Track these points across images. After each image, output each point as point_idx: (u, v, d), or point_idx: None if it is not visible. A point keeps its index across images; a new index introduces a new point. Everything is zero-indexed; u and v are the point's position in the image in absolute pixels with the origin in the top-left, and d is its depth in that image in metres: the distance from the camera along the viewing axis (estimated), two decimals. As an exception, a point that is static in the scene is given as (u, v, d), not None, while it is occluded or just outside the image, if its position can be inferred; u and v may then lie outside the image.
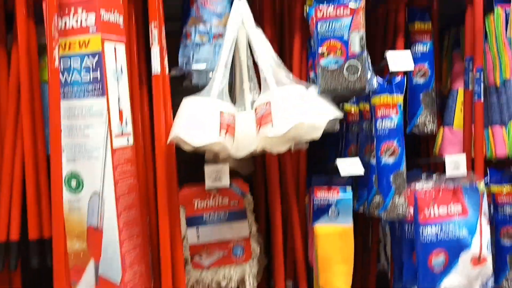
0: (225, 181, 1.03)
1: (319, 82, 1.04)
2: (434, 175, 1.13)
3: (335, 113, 1.01)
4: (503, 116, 1.15)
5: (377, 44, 1.26)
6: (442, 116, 1.29)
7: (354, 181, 1.16)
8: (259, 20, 1.14)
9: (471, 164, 1.17)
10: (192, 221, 1.13)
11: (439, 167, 1.19)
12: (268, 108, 0.94)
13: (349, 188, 1.11)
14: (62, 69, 0.95)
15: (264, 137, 0.95)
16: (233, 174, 1.18)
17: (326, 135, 1.15)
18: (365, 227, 1.34)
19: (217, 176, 1.02)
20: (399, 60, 1.04)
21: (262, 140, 0.96)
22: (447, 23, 1.33)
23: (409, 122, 1.22)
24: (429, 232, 1.07)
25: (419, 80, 1.21)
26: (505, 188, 1.20)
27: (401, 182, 1.07)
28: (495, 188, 1.20)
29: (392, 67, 1.04)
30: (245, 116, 1.00)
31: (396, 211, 1.06)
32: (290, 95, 0.96)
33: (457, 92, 1.24)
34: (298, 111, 0.93)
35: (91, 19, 0.93)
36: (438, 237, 1.07)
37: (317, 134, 1.00)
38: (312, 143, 1.12)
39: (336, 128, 1.08)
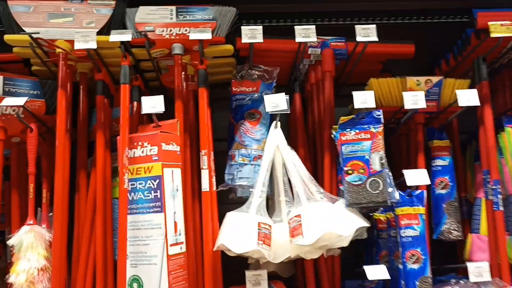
0: (264, 285, 1.16)
1: (346, 196, 1.18)
2: (462, 281, 1.20)
3: (360, 223, 1.15)
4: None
5: (403, 160, 1.41)
6: (470, 222, 1.37)
7: (386, 285, 1.24)
8: (294, 142, 1.35)
9: (498, 270, 1.23)
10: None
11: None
12: (299, 220, 1.09)
13: (379, 292, 1.21)
14: (130, 189, 1.17)
15: (296, 246, 1.09)
16: (275, 276, 1.33)
17: (360, 241, 1.29)
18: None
19: (256, 281, 1.16)
20: (415, 176, 1.18)
21: (295, 248, 1.10)
22: (468, 138, 1.46)
23: (435, 229, 1.32)
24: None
25: (441, 191, 1.33)
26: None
27: (427, 287, 1.15)
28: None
29: (409, 182, 1.18)
30: (281, 227, 1.15)
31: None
32: (319, 209, 1.11)
33: (481, 200, 1.34)
34: (326, 223, 1.08)
35: (154, 150, 1.16)
36: None
37: (345, 243, 1.13)
38: (349, 249, 1.27)
39: (364, 236, 1.20)
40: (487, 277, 1.16)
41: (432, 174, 1.36)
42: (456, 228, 1.31)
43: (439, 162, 1.35)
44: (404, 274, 1.17)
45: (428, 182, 1.19)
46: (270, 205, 1.29)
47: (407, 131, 1.41)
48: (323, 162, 1.32)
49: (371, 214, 1.34)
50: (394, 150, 1.50)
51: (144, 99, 1.19)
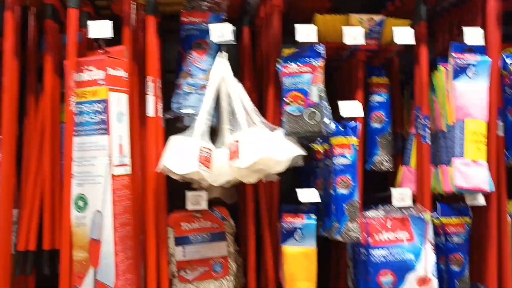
0: (204, 205, 1.24)
1: (285, 126, 1.26)
2: (386, 206, 1.31)
3: (296, 151, 1.23)
4: (449, 157, 1.33)
5: (345, 96, 1.48)
6: (403, 156, 1.48)
7: (319, 210, 1.34)
8: (242, 75, 1.40)
9: (422, 198, 1.35)
10: (180, 241, 1.34)
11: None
12: (237, 144, 1.16)
13: (313, 215, 1.31)
14: (76, 112, 1.20)
15: (234, 169, 1.17)
16: (220, 202, 1.41)
17: (300, 170, 1.37)
18: (336, 252, 1.51)
19: (196, 201, 1.24)
20: (349, 108, 1.26)
21: (233, 171, 1.18)
22: (407, 77, 1.54)
23: (368, 160, 1.42)
24: (378, 254, 1.25)
25: (376, 125, 1.42)
26: (453, 220, 1.37)
27: (354, 210, 1.26)
28: (444, 220, 1.37)
29: (343, 113, 1.25)
30: (222, 152, 1.22)
31: (349, 235, 1.25)
32: (256, 134, 1.18)
33: (413, 135, 1.44)
34: (262, 148, 1.15)
35: (100, 74, 1.19)
36: (387, 259, 1.25)
37: (280, 168, 1.21)
38: (290, 179, 1.36)
39: (300, 163, 1.28)
40: (409, 202, 1.27)
41: (368, 109, 1.44)
42: (388, 160, 1.41)
43: (376, 98, 1.43)
44: (334, 198, 1.27)
45: (361, 114, 1.27)
46: (219, 136, 1.34)
47: (351, 68, 1.47)
48: (268, 95, 1.38)
49: (310, 145, 1.41)
50: (338, 86, 1.57)
51: (91, 23, 1.21)
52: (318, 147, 1.42)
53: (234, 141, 1.17)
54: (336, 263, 1.51)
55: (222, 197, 1.45)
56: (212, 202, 1.40)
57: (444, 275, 1.39)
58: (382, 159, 1.41)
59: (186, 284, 1.33)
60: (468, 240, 1.38)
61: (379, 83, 1.44)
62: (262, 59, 1.46)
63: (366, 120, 1.43)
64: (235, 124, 1.25)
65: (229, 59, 1.32)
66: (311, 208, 1.33)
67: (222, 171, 1.19)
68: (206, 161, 1.17)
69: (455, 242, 1.36)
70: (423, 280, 1.25)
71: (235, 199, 1.47)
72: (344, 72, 1.52)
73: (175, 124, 1.37)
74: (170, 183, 1.28)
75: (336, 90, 1.54)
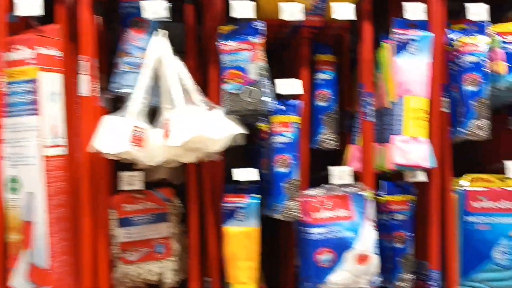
0: (139, 185, 1.23)
1: (223, 104, 1.24)
2: (327, 185, 1.30)
3: (235, 130, 1.21)
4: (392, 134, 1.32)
5: (292, 74, 1.46)
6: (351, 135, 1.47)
7: (263, 189, 1.33)
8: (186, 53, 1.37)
9: (365, 176, 1.34)
10: (123, 222, 1.32)
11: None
12: (168, 124, 1.14)
13: (255, 195, 1.30)
14: (7, 92, 1.18)
15: (167, 148, 1.15)
16: (168, 184, 1.40)
17: (249, 150, 1.36)
18: (285, 232, 1.50)
19: (131, 181, 1.22)
20: (288, 85, 1.24)
21: (166, 151, 1.16)
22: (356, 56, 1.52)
23: (313, 139, 1.41)
24: (317, 232, 1.24)
25: (321, 103, 1.40)
26: (397, 198, 1.36)
27: (293, 189, 1.25)
28: (388, 197, 1.37)
29: (280, 91, 1.24)
30: (156, 131, 1.20)
31: (288, 214, 1.24)
32: (189, 112, 1.17)
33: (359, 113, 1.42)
34: (195, 126, 1.14)
35: (30, 54, 1.17)
36: (325, 237, 1.24)
37: (218, 147, 1.20)
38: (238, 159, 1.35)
39: (241, 143, 1.27)
40: (348, 180, 1.27)
41: (314, 87, 1.42)
42: (333, 138, 1.40)
43: (321, 76, 1.41)
44: (273, 177, 1.26)
45: (300, 91, 1.25)
46: (158, 115, 1.32)
47: (297, 46, 1.45)
48: (210, 73, 1.36)
49: (255, 124, 1.40)
50: (287, 64, 1.55)
51: (17, 0, 1.17)
52: (263, 126, 1.40)
53: (167, 119, 1.16)
54: (285, 242, 1.50)
55: (169, 178, 1.44)
56: (158, 183, 1.40)
57: (389, 253, 1.39)
58: (326, 138, 1.39)
59: (128, 266, 1.32)
60: (412, 218, 1.38)
61: (324, 60, 1.42)
62: (205, 38, 1.43)
63: (311, 99, 1.41)
64: (173, 102, 1.23)
65: (175, 37, 1.29)
66: (254, 187, 1.32)
67: (156, 150, 1.18)
68: (138, 140, 1.16)
69: (399, 220, 1.36)
70: (362, 258, 1.25)
71: (183, 180, 1.46)
72: (291, 50, 1.49)
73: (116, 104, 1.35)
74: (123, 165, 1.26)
75: (285, 70, 1.52)
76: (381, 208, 1.38)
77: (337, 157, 1.51)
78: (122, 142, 1.13)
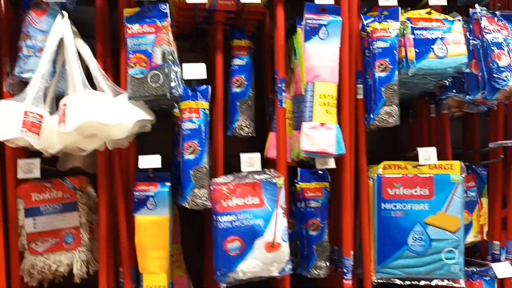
0: (36, 173, 1.18)
1: (128, 89, 1.20)
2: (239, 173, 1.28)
3: (139, 116, 1.18)
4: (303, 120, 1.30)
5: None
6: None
7: (173, 176, 1.30)
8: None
9: (279, 163, 1.33)
10: (30, 212, 1.28)
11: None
12: (65, 108, 1.10)
13: (167, 183, 1.27)
14: None
15: (63, 134, 1.11)
16: (82, 172, 1.36)
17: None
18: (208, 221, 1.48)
19: (28, 169, 1.18)
20: (193, 70, 1.21)
21: (63, 137, 1.12)
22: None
23: (229, 126, 1.38)
24: (225, 220, 1.22)
25: (236, 89, 1.38)
26: (312, 185, 1.35)
27: (201, 176, 1.22)
28: (304, 185, 1.36)
29: (186, 76, 1.21)
30: (54, 117, 1.16)
31: (196, 202, 1.22)
32: (85, 97, 1.13)
33: (277, 101, 1.40)
34: (89, 111, 1.10)
35: None
36: (234, 225, 1.22)
37: (121, 134, 1.16)
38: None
39: (147, 129, 1.24)
40: (257, 167, 1.25)
41: (230, 73, 1.39)
42: (248, 125, 1.38)
43: (236, 62, 1.38)
44: (182, 164, 1.23)
45: (203, 76, 1.22)
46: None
47: (213, 31, 1.42)
48: (120, 58, 1.32)
49: (172, 111, 1.37)
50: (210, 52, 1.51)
51: None
52: (177, 113, 1.37)
53: (63, 104, 1.11)
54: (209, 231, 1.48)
55: (82, 167, 1.40)
56: (69, 172, 1.36)
57: (305, 240, 1.38)
58: (242, 124, 1.37)
59: (36, 257, 1.28)
60: (327, 205, 1.37)
61: (240, 46, 1.39)
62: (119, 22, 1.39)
63: (227, 85, 1.38)
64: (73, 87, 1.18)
65: (86, 21, 1.25)
66: (166, 176, 1.29)
67: (53, 137, 1.13)
68: (33, 126, 1.11)
69: (313, 207, 1.35)
70: (272, 245, 1.24)
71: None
72: (209, 35, 1.46)
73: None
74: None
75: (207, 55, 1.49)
76: (298, 196, 1.37)
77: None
78: (13, 128, 1.09)
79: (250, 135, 1.38)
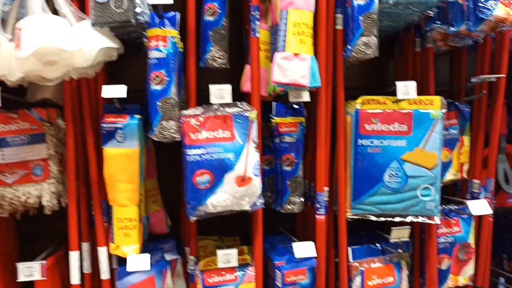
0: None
1: (91, 15, 1.13)
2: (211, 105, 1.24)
3: (104, 44, 1.12)
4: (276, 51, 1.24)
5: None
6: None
7: (142, 110, 1.26)
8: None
9: (252, 96, 1.28)
10: (-3, 144, 1.25)
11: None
12: (19, 33, 1.04)
13: (137, 115, 1.23)
14: None
15: (20, 61, 1.06)
16: (53, 105, 1.32)
17: None
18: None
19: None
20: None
21: (21, 64, 1.07)
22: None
23: (201, 57, 1.32)
24: (194, 153, 1.19)
25: (209, 18, 1.31)
26: (287, 120, 1.31)
27: (168, 108, 1.18)
28: (278, 119, 1.32)
29: (152, 0, 1.14)
30: (11, 43, 1.10)
31: (164, 134, 1.18)
32: (43, 21, 1.06)
33: (254, 31, 1.33)
34: (46, 36, 1.03)
35: None
36: (203, 158, 1.19)
37: (83, 61, 1.11)
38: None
39: (113, 58, 1.18)
40: (228, 99, 1.20)
41: (203, 0, 1.32)
42: (221, 56, 1.32)
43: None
44: (148, 95, 1.19)
45: (168, 1, 1.15)
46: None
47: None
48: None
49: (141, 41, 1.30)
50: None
51: None
52: (146, 42, 1.31)
53: (17, 28, 1.05)
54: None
55: (52, 98, 1.36)
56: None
57: (279, 176, 1.36)
58: (214, 55, 1.31)
59: (5, 188, 1.27)
60: (302, 140, 1.33)
61: (212, -28, 1.31)
62: None
63: (200, 14, 1.31)
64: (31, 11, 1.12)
65: None
66: (136, 108, 1.25)
67: (10, 63, 1.08)
68: (-13, 52, 1.06)
69: (288, 142, 1.32)
70: (243, 180, 1.21)
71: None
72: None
73: None
74: None
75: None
76: (273, 132, 1.34)
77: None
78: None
79: (224, 66, 1.32)
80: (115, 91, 1.15)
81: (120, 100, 1.22)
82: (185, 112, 1.21)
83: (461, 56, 1.56)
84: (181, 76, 1.31)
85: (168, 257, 1.41)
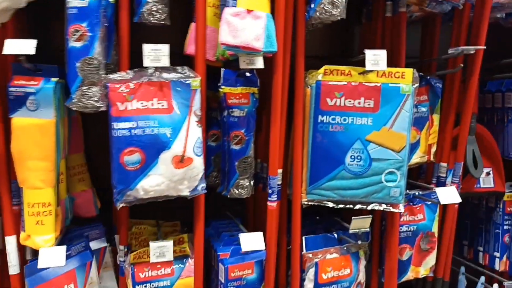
0: None
1: None
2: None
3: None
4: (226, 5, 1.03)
5: None
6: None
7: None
8: None
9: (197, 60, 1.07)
10: None
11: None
12: None
13: (53, 78, 1.00)
14: None
15: None
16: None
17: None
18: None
19: None
20: None
21: None
22: None
23: (136, 10, 1.09)
24: (121, 127, 0.98)
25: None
26: (236, 90, 1.12)
27: (91, 71, 0.97)
28: (227, 89, 1.12)
29: None
30: None
31: (83, 102, 0.96)
32: None
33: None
34: None
35: None
36: (133, 133, 0.98)
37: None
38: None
39: (21, 5, 0.94)
40: (165, 62, 0.99)
41: None
42: (160, 10, 1.09)
43: None
44: (66, 54, 0.96)
45: None
46: None
47: None
48: None
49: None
50: None
51: None
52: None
53: None
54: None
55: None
56: None
57: (226, 155, 1.17)
58: (152, 9, 1.08)
59: None
60: (254, 115, 1.15)
61: None
62: None
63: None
64: None
65: None
66: (53, 68, 1.02)
67: None
68: None
69: (237, 116, 1.13)
70: (181, 160, 1.02)
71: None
72: None
73: None
74: None
75: None
76: (221, 103, 1.14)
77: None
78: None
79: (162, 23, 1.10)
80: (21, 46, 0.92)
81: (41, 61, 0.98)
82: (111, 76, 0.99)
83: (435, 25, 1.39)
84: (112, 33, 1.08)
85: (95, 245, 1.21)
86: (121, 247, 1.16)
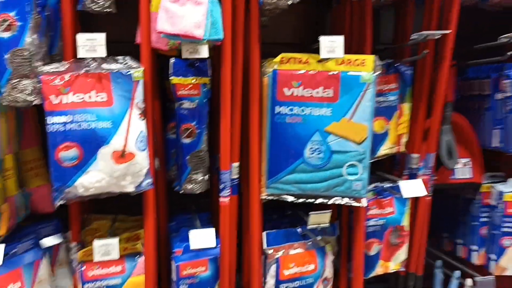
0: None
1: None
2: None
3: None
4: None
5: None
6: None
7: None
8: None
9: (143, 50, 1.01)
10: None
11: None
12: None
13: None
14: None
15: None
16: None
17: None
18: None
19: None
20: None
21: None
22: None
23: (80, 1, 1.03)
24: (56, 121, 0.93)
25: None
26: (187, 81, 1.06)
27: (20, 62, 0.91)
28: (177, 79, 1.06)
29: None
30: None
31: (13, 95, 0.91)
32: None
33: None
34: None
35: None
36: (68, 128, 0.93)
37: None
38: None
39: None
40: (101, 52, 0.93)
41: None
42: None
43: None
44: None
45: None
46: None
47: None
48: None
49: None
50: None
51: None
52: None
53: None
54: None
55: None
56: None
57: (179, 149, 1.12)
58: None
59: None
60: (206, 106, 1.09)
61: None
62: None
63: None
64: None
65: None
66: None
67: None
68: None
69: (187, 108, 1.07)
70: (122, 155, 0.97)
71: None
72: None
73: None
74: None
75: None
76: (172, 94, 1.08)
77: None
78: None
79: (107, 10, 1.03)
80: None
81: None
82: (44, 68, 0.93)
83: (407, 9, 1.31)
84: (58, 22, 1.02)
85: (49, 242, 1.17)
86: (73, 244, 1.12)
